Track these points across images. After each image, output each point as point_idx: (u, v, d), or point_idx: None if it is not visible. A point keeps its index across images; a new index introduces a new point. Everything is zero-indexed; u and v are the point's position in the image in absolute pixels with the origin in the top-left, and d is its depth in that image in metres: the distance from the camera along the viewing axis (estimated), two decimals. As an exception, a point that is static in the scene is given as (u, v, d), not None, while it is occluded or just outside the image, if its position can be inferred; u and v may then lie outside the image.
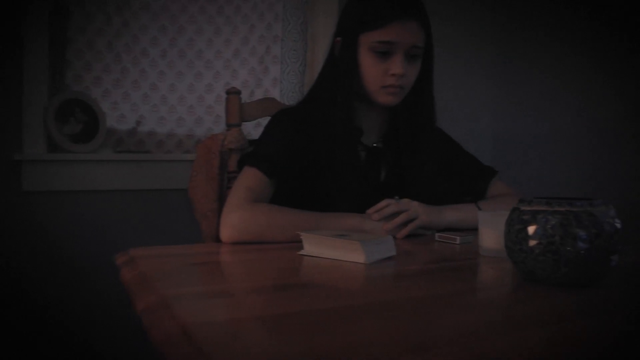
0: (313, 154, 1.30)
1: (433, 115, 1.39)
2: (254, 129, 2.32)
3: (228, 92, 1.64)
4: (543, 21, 2.84)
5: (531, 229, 0.75)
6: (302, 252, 1.00)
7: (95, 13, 2.06)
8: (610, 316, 0.66)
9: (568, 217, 0.73)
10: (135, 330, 1.15)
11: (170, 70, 2.23)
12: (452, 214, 1.30)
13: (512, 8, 3.00)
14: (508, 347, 0.54)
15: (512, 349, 0.53)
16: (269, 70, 2.43)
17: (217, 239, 1.18)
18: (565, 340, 0.56)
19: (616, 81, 2.54)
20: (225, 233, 1.14)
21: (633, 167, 2.47)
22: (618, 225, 0.76)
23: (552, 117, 2.79)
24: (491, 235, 0.99)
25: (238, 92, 1.64)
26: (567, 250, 0.73)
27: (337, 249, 0.95)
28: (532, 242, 0.75)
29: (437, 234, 1.20)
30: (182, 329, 0.57)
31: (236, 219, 1.14)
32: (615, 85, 2.55)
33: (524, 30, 2.94)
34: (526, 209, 0.77)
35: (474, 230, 1.12)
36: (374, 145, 1.39)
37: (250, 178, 1.23)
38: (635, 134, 2.46)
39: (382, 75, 1.27)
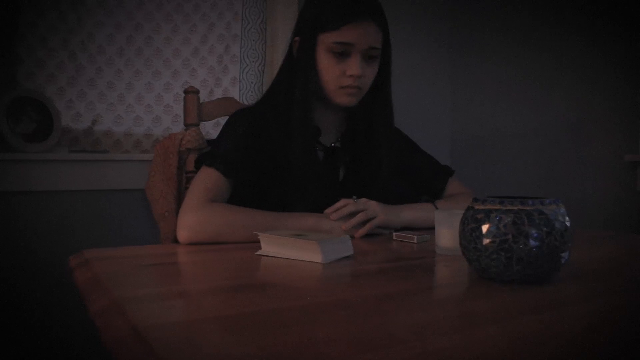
0: (271, 154, 1.30)
1: (391, 116, 1.40)
2: (212, 129, 2.30)
3: (186, 92, 1.62)
4: (500, 20, 2.89)
5: (485, 228, 0.76)
6: (259, 252, 1.00)
7: (48, 9, 2.01)
8: (560, 312, 0.67)
9: (520, 215, 0.75)
10: (89, 332, 1.13)
11: (128, 68, 2.20)
12: (410, 213, 1.31)
13: (469, 6, 3.04)
14: (462, 344, 0.54)
15: (466, 345, 0.54)
16: (228, 69, 2.42)
17: (176, 240, 1.17)
18: (517, 336, 0.57)
19: (573, 81, 2.60)
20: (182, 234, 1.13)
21: (587, 166, 2.54)
22: (568, 224, 0.78)
23: (510, 117, 2.85)
24: (447, 234, 1.01)
25: (196, 92, 1.63)
26: (519, 248, 0.74)
27: (294, 248, 0.95)
28: (486, 241, 0.76)
29: (394, 233, 1.21)
30: (134, 331, 0.56)
31: (193, 220, 1.13)
32: (572, 85, 2.61)
33: (481, 29, 2.99)
34: (480, 208, 0.78)
35: (431, 229, 1.13)
36: (332, 145, 1.40)
37: (207, 178, 1.22)
38: (590, 133, 2.53)
39: (339, 75, 1.27)
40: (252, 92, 2.47)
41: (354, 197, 1.25)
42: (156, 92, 2.26)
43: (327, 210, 1.22)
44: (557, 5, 2.63)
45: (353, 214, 1.21)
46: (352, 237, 1.20)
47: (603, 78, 2.47)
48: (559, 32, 2.62)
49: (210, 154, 1.26)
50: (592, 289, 0.79)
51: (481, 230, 0.76)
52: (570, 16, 2.58)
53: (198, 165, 1.27)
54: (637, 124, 2.34)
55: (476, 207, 0.79)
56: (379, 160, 1.38)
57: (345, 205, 1.22)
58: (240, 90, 2.45)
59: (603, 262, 1.02)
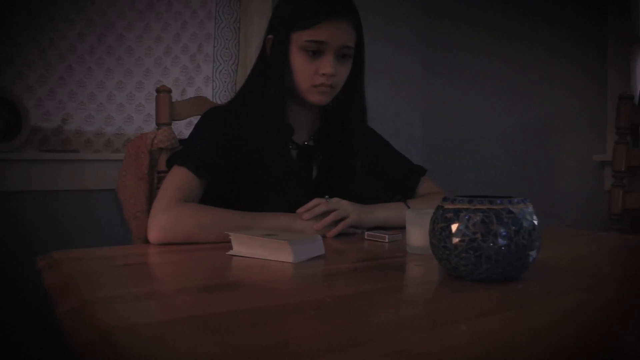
0: (244, 153, 1.29)
1: (364, 115, 1.40)
2: (185, 128, 2.29)
3: (158, 91, 1.61)
4: (473, 22, 2.92)
5: (454, 227, 0.77)
6: (231, 252, 0.99)
7: (17, 6, 1.98)
8: (528, 309, 0.68)
9: (489, 215, 0.76)
10: (57, 336, 1.11)
11: (99, 67, 2.17)
12: (382, 212, 1.32)
13: (441, 7, 3.07)
14: (431, 342, 0.55)
15: (435, 343, 0.55)
16: (201, 68, 2.41)
17: (147, 240, 1.16)
18: (486, 333, 0.58)
19: (543, 83, 2.64)
20: (153, 234, 1.12)
21: (557, 166, 2.58)
22: (536, 222, 0.79)
23: (481, 118, 2.88)
24: (418, 233, 1.01)
25: (169, 91, 1.61)
26: (488, 247, 0.75)
27: (265, 248, 0.95)
28: (455, 240, 0.77)
29: (366, 233, 1.22)
30: (103, 333, 0.55)
31: (164, 220, 1.12)
32: (542, 87, 2.64)
33: (453, 31, 3.01)
34: (449, 207, 0.79)
35: (403, 228, 1.14)
36: (305, 143, 1.40)
37: (179, 178, 1.21)
38: (560, 134, 2.57)
39: (312, 74, 1.27)
40: (225, 91, 2.46)
41: (326, 196, 1.25)
42: (128, 91, 2.24)
43: (299, 210, 1.22)
44: (529, 8, 2.66)
45: (325, 214, 1.22)
46: (325, 236, 1.20)
47: (573, 80, 2.51)
48: (530, 35, 2.66)
49: (182, 153, 1.25)
50: (559, 287, 0.80)
51: (450, 230, 0.77)
52: (541, 20, 2.62)
53: (169, 164, 1.25)
54: (605, 125, 2.39)
55: (446, 206, 0.80)
56: (352, 159, 1.39)
57: (318, 204, 1.22)
58: (213, 90, 2.44)
59: (571, 260, 1.03)
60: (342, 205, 1.24)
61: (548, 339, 0.57)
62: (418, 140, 3.12)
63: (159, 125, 1.61)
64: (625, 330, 0.61)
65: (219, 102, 1.92)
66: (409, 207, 1.15)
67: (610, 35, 2.36)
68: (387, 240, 1.16)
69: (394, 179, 1.51)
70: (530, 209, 0.80)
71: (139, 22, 2.25)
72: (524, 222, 0.77)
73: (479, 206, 0.77)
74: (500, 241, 0.75)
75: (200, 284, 0.81)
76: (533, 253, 0.78)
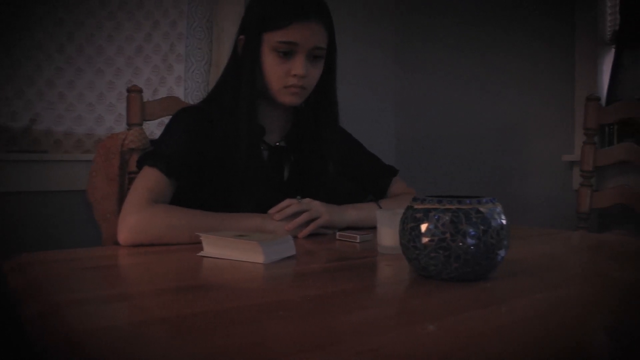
0: (215, 153, 1.29)
1: (336, 115, 1.41)
2: (157, 128, 2.27)
3: (129, 91, 1.59)
4: (444, 24, 2.94)
5: (423, 227, 0.78)
6: (201, 253, 0.99)
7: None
8: (497, 308, 0.69)
9: (458, 214, 0.77)
10: (19, 341, 1.09)
11: (69, 66, 2.14)
12: (354, 213, 1.32)
13: (414, 9, 3.09)
14: (400, 342, 0.55)
15: (404, 343, 0.55)
16: (173, 68, 2.39)
17: (118, 242, 1.14)
18: (455, 332, 0.58)
19: (513, 85, 2.67)
20: (123, 236, 1.11)
21: (527, 166, 2.61)
22: (504, 222, 0.80)
23: (453, 118, 2.90)
24: (388, 233, 1.02)
25: (140, 91, 1.60)
26: (457, 246, 0.76)
27: (236, 249, 0.94)
28: (425, 239, 0.77)
29: (337, 233, 1.22)
30: (72, 337, 0.55)
31: (134, 221, 1.11)
32: (512, 88, 2.68)
33: (425, 32, 3.03)
34: (419, 207, 0.80)
35: (375, 228, 1.15)
36: (277, 144, 1.40)
37: (149, 178, 1.20)
38: (530, 135, 2.60)
39: (284, 75, 1.27)
40: (197, 91, 2.44)
41: (298, 197, 1.25)
42: (98, 90, 2.21)
43: (271, 211, 1.21)
44: (500, 11, 2.70)
45: (297, 214, 1.21)
46: (296, 237, 1.20)
47: (542, 83, 2.55)
48: (501, 38, 2.70)
49: (153, 154, 1.24)
50: (528, 285, 0.81)
51: (420, 229, 0.78)
52: (512, 23, 2.65)
53: (140, 165, 1.24)
54: (573, 126, 2.43)
55: (415, 206, 0.81)
56: (323, 160, 1.39)
57: (289, 205, 1.21)
58: (185, 90, 2.42)
59: (539, 258, 1.05)
60: (314, 206, 1.24)
61: (515, 336, 0.58)
62: (391, 140, 3.13)
63: (130, 125, 1.60)
64: (591, 327, 0.62)
65: (191, 102, 1.91)
66: (380, 208, 1.16)
67: (578, 38, 2.40)
68: (358, 241, 1.17)
69: (366, 179, 1.52)
70: (499, 208, 0.81)
71: (110, 21, 2.23)
72: (492, 221, 0.78)
73: (448, 206, 0.78)
74: (469, 241, 0.76)
75: (171, 286, 0.81)
76: (501, 252, 0.79)
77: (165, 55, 2.36)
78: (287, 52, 1.26)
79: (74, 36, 2.14)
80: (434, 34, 2.97)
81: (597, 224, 2.31)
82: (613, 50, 2.32)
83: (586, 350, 0.56)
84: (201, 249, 1.00)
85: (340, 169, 1.43)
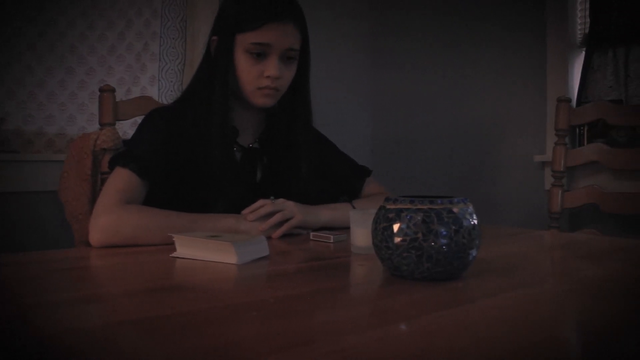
0: (188, 154, 1.28)
1: (309, 116, 1.41)
2: (130, 128, 2.25)
3: (102, 90, 1.58)
4: (420, 25, 2.96)
5: (396, 227, 0.78)
6: (174, 254, 0.98)
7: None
8: (469, 307, 0.70)
9: (430, 214, 0.77)
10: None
11: (39, 64, 2.11)
12: (328, 213, 1.32)
13: (389, 10, 3.10)
14: (373, 341, 0.56)
15: (376, 342, 0.55)
16: (147, 67, 2.37)
17: (90, 243, 1.13)
18: (428, 331, 0.59)
19: (487, 86, 2.70)
20: (95, 237, 1.10)
21: (500, 166, 2.64)
22: (475, 222, 0.81)
23: (428, 119, 2.92)
24: (361, 233, 1.02)
25: (112, 90, 1.58)
26: (429, 246, 0.76)
27: (209, 250, 0.94)
28: (397, 239, 0.78)
29: (311, 233, 1.22)
30: (43, 339, 0.54)
31: (106, 222, 1.10)
32: (486, 90, 2.71)
33: (401, 33, 3.05)
34: (391, 207, 0.80)
35: (348, 228, 1.15)
36: (250, 145, 1.39)
37: (121, 179, 1.19)
38: (503, 135, 2.63)
39: (257, 76, 1.27)
40: (171, 91, 2.43)
41: (272, 197, 1.25)
42: (70, 90, 2.18)
43: (245, 211, 1.21)
44: (474, 12, 2.72)
45: (270, 215, 1.21)
46: (270, 237, 1.20)
47: (515, 84, 2.58)
48: (475, 39, 2.72)
49: (125, 154, 1.23)
50: (499, 284, 0.81)
51: (392, 229, 0.78)
52: (485, 25, 2.68)
53: (112, 166, 1.23)
54: (545, 127, 2.46)
55: (388, 206, 0.81)
56: (297, 161, 1.39)
57: (263, 205, 1.21)
58: (159, 89, 2.40)
59: (511, 258, 1.06)
60: (288, 206, 1.24)
61: (486, 335, 0.58)
62: (367, 141, 3.14)
63: (102, 125, 1.58)
64: (562, 325, 0.63)
65: (165, 102, 1.90)
66: (354, 208, 1.16)
67: (549, 41, 2.44)
68: (332, 241, 1.17)
69: (340, 180, 1.52)
70: (470, 208, 0.81)
71: (82, 20, 2.20)
72: (464, 221, 0.78)
73: (420, 206, 0.78)
74: (441, 240, 0.76)
75: (143, 287, 0.80)
76: (473, 252, 0.80)
77: (139, 54, 2.34)
78: (260, 54, 1.26)
79: (45, 34, 2.11)
80: (409, 33, 2.99)
81: (568, 223, 2.35)
82: (583, 52, 2.36)
83: (557, 347, 0.56)
84: (174, 249, 0.99)
85: (313, 170, 1.43)
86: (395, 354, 0.52)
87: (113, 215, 1.11)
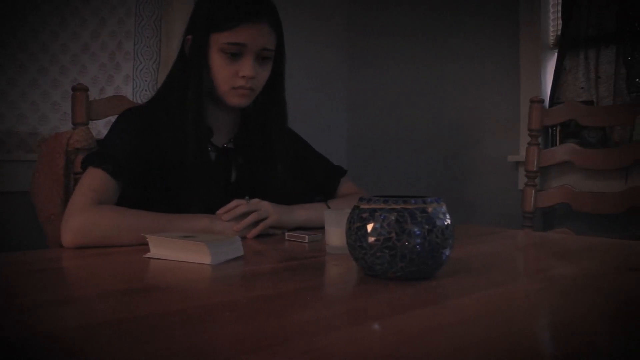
0: (162, 154, 1.27)
1: (284, 116, 1.41)
2: (104, 128, 2.22)
3: (74, 89, 1.56)
4: (396, 25, 2.97)
5: (369, 227, 0.78)
6: (148, 255, 0.98)
7: None
8: (442, 306, 0.71)
9: (403, 214, 0.78)
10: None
11: (10, 63, 2.08)
12: (303, 213, 1.32)
13: (366, 10, 3.11)
14: (346, 340, 0.56)
15: (350, 341, 0.56)
16: (121, 66, 2.35)
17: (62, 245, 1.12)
18: (401, 330, 0.59)
19: (462, 86, 2.72)
20: (67, 238, 1.08)
21: (474, 166, 2.67)
22: (449, 221, 0.81)
23: (403, 119, 2.94)
24: (336, 233, 1.02)
25: (85, 89, 1.57)
26: (403, 245, 0.77)
27: (183, 250, 0.94)
28: (371, 239, 0.78)
29: (286, 233, 1.22)
30: (12, 342, 0.54)
31: (79, 223, 1.09)
32: (461, 90, 2.73)
33: (377, 33, 3.06)
34: (365, 207, 0.81)
35: (323, 228, 1.15)
36: (224, 145, 1.39)
37: (93, 179, 1.17)
38: (478, 136, 2.66)
39: (232, 76, 1.27)
40: (146, 90, 2.41)
41: (247, 197, 1.24)
42: (42, 88, 2.15)
43: (219, 211, 1.20)
44: (449, 14, 2.75)
45: (245, 215, 1.21)
46: (245, 237, 1.19)
47: (489, 85, 2.61)
48: (450, 41, 2.75)
49: (97, 154, 1.22)
50: (473, 283, 0.82)
51: (366, 229, 0.79)
52: (460, 26, 2.71)
53: (84, 166, 1.21)
54: (519, 127, 2.49)
55: (362, 206, 0.81)
56: (272, 161, 1.39)
57: (238, 205, 1.21)
58: (133, 89, 2.38)
59: (484, 257, 1.07)
60: (263, 206, 1.23)
61: (460, 334, 0.59)
62: (343, 140, 3.15)
63: (75, 124, 1.56)
64: (535, 323, 0.64)
65: (140, 102, 1.88)
66: (329, 208, 1.17)
67: (522, 42, 2.47)
68: (307, 241, 1.17)
69: (315, 180, 1.53)
70: (444, 208, 0.82)
71: (54, 17, 2.17)
72: (437, 221, 0.79)
73: (393, 206, 0.79)
74: (415, 240, 0.77)
75: (116, 288, 0.79)
76: (446, 251, 0.81)
77: (113, 53, 2.32)
78: (235, 54, 1.26)
79: (16, 33, 2.08)
80: (385, 35, 3.01)
81: (542, 222, 2.38)
82: (555, 54, 2.39)
83: (530, 344, 0.57)
84: (148, 250, 0.98)
85: (288, 170, 1.43)
86: (368, 354, 0.52)
87: (86, 216, 1.10)
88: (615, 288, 0.81)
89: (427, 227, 0.78)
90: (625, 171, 2.16)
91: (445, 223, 0.80)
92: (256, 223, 1.22)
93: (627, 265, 0.98)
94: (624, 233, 2.10)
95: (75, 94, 1.55)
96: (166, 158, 1.27)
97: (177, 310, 0.66)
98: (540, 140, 1.99)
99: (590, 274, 0.92)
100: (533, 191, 1.96)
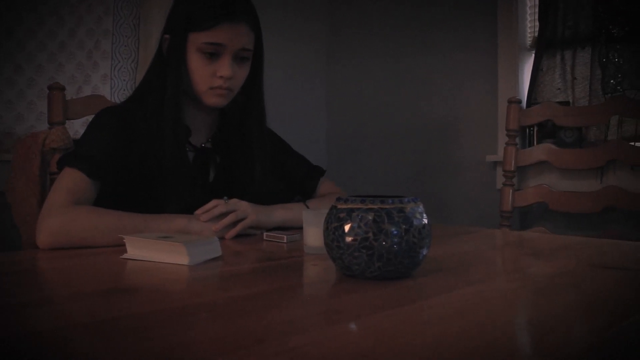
0: (139, 154, 1.26)
1: (263, 116, 1.41)
2: (81, 127, 2.20)
3: (50, 88, 1.54)
4: (376, 23, 2.98)
5: (347, 227, 0.79)
6: (125, 255, 0.97)
7: None
8: (419, 305, 0.71)
9: (380, 214, 0.78)
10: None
11: (-15, 61, 2.05)
12: (281, 213, 1.32)
13: (346, 8, 3.12)
14: (323, 340, 0.56)
15: (326, 341, 0.56)
16: (99, 65, 2.32)
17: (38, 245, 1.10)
18: (378, 329, 0.60)
19: (442, 87, 2.74)
20: (42, 239, 1.07)
21: (453, 166, 2.69)
22: (426, 221, 0.82)
23: (383, 118, 2.95)
24: (314, 233, 1.02)
25: (62, 88, 1.55)
26: (380, 245, 0.77)
27: (160, 251, 0.93)
28: (348, 239, 0.78)
29: (265, 233, 1.22)
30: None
31: (54, 224, 1.07)
32: (441, 90, 2.74)
33: (357, 32, 3.07)
34: (342, 207, 0.81)
35: (302, 228, 1.15)
36: (203, 145, 1.38)
37: (70, 179, 1.16)
38: (457, 135, 2.67)
39: (210, 76, 1.26)
40: (124, 89, 2.39)
41: (225, 197, 1.24)
42: (18, 87, 2.12)
43: (198, 211, 1.20)
44: (428, 15, 2.76)
45: (224, 215, 1.21)
46: (223, 238, 1.19)
47: (468, 85, 2.63)
48: (429, 41, 2.76)
49: (74, 154, 1.20)
50: (450, 282, 0.83)
51: (343, 229, 0.79)
52: (439, 27, 2.72)
53: (60, 166, 1.20)
54: (497, 127, 2.51)
55: (339, 206, 0.82)
56: (251, 161, 1.38)
57: (216, 205, 1.20)
58: (111, 88, 2.36)
59: (462, 256, 1.08)
60: (241, 206, 1.23)
61: (436, 333, 0.59)
62: (321, 141, 3.15)
63: (51, 124, 1.54)
64: (511, 321, 0.65)
65: (118, 101, 1.86)
66: (308, 208, 1.17)
67: (500, 43, 2.50)
68: (285, 241, 1.17)
69: (294, 180, 1.53)
70: (421, 208, 0.83)
71: (31, 15, 2.14)
72: (414, 220, 0.80)
73: (370, 206, 0.79)
74: (392, 240, 0.77)
75: (93, 289, 0.79)
76: (423, 250, 0.81)
77: (90, 52, 2.30)
78: (213, 53, 1.25)
79: (-9, 31, 2.05)
80: (364, 34, 3.01)
81: (519, 221, 2.40)
82: (533, 55, 2.42)
83: (508, 343, 0.58)
84: (125, 251, 0.98)
85: (267, 170, 1.43)
86: (345, 353, 0.53)
87: (62, 217, 1.09)
88: (590, 286, 0.82)
89: (404, 226, 0.78)
90: (601, 171, 2.19)
91: (422, 223, 0.81)
92: (235, 223, 1.22)
93: (602, 264, 0.99)
94: (599, 231, 2.13)
95: (52, 93, 1.54)
96: (143, 158, 1.26)
97: (154, 311, 0.66)
98: (517, 140, 2.01)
99: (566, 272, 0.93)
100: (511, 191, 1.97)
